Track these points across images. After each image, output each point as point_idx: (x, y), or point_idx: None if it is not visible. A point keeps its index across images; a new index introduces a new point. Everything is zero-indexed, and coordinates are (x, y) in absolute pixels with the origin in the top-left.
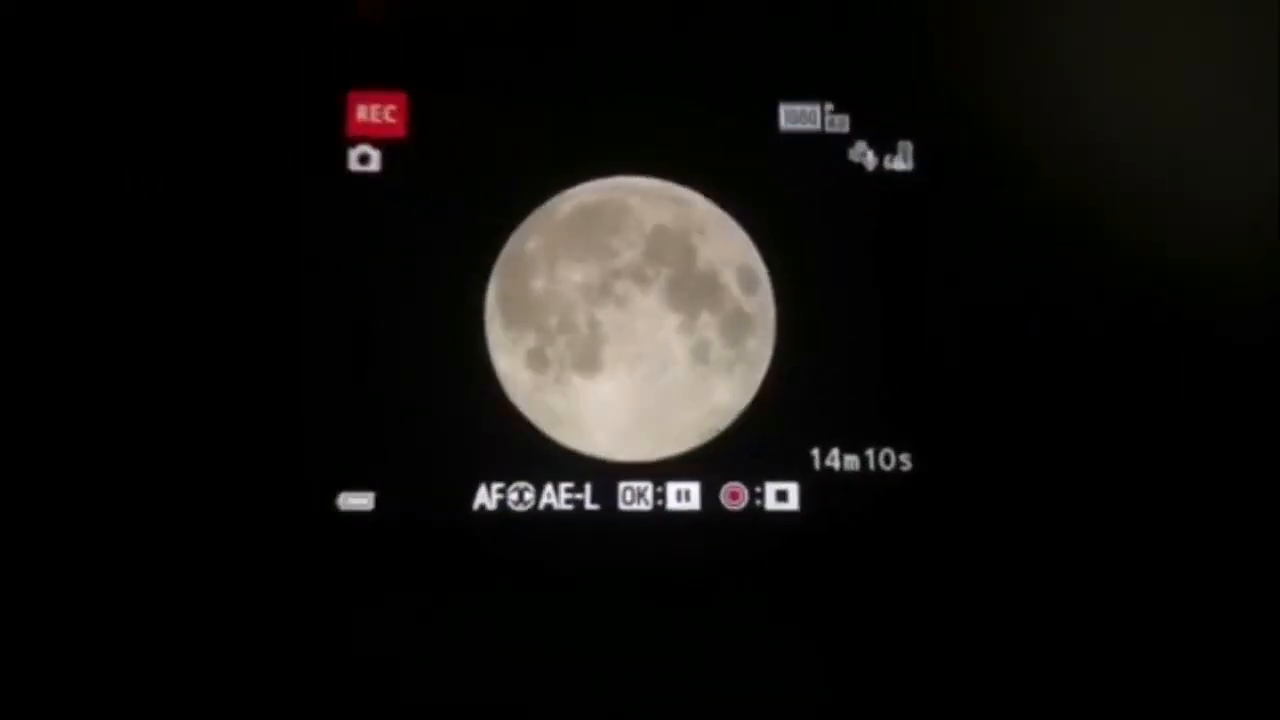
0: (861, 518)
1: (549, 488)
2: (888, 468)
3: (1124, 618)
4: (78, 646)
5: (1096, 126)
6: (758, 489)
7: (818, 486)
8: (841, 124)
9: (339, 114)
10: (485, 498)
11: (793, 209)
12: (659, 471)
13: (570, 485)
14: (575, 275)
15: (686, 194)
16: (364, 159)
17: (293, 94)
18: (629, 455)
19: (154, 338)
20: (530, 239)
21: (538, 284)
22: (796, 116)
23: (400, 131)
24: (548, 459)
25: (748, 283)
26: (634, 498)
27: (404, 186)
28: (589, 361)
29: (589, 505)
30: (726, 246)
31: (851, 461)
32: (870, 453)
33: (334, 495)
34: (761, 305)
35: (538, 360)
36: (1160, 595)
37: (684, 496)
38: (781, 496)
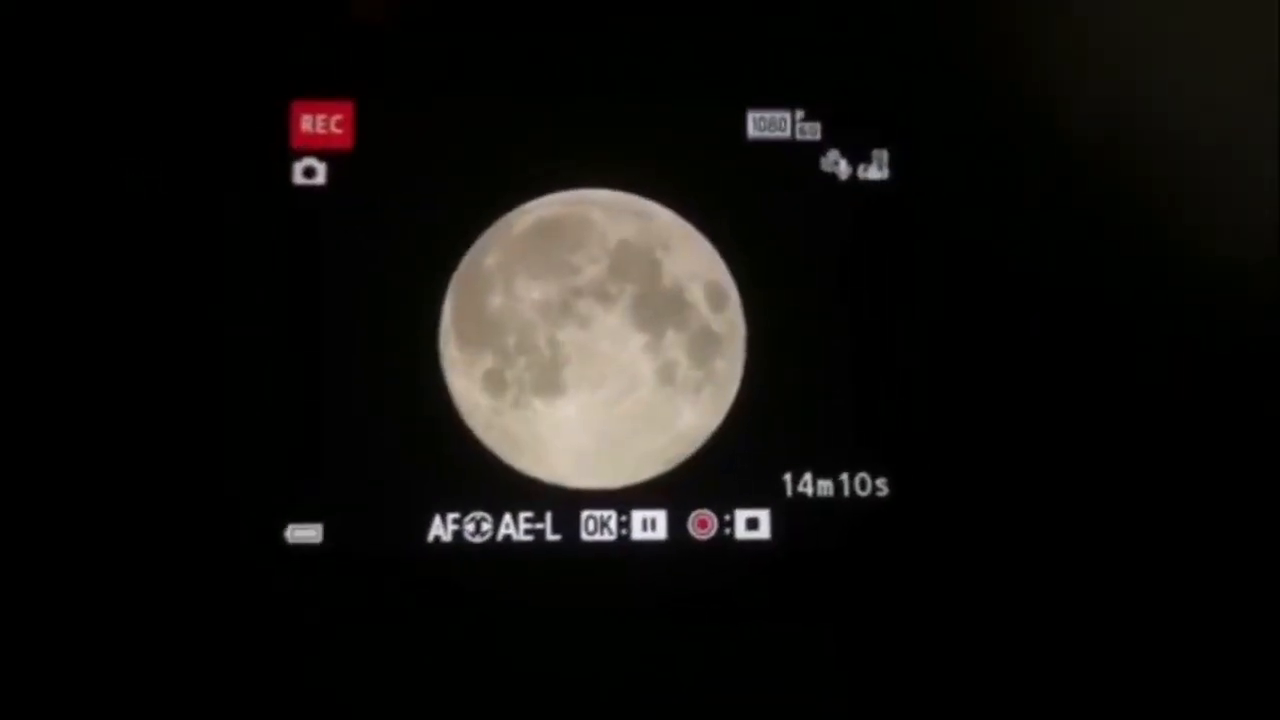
0: (836, 546)
1: (508, 518)
2: (863, 493)
3: (1108, 646)
4: (20, 681)
5: (1077, 134)
6: (727, 517)
7: (790, 514)
8: (813, 131)
9: (282, 125)
10: (440, 529)
11: (762, 221)
12: (623, 499)
13: (530, 515)
14: (534, 293)
15: (650, 206)
16: (309, 172)
17: (233, 104)
18: (592, 482)
19: (88, 363)
20: (487, 255)
21: (495, 302)
22: (765, 124)
23: (347, 142)
24: (506, 487)
25: (716, 300)
26: (597, 527)
27: (352, 201)
28: (550, 384)
29: (550, 536)
30: (693, 262)
31: (825, 487)
32: (845, 478)
33: (281, 527)
34: (730, 323)
35: (495, 383)
36: (1144, 623)
37: (650, 525)
38: (752, 524)
